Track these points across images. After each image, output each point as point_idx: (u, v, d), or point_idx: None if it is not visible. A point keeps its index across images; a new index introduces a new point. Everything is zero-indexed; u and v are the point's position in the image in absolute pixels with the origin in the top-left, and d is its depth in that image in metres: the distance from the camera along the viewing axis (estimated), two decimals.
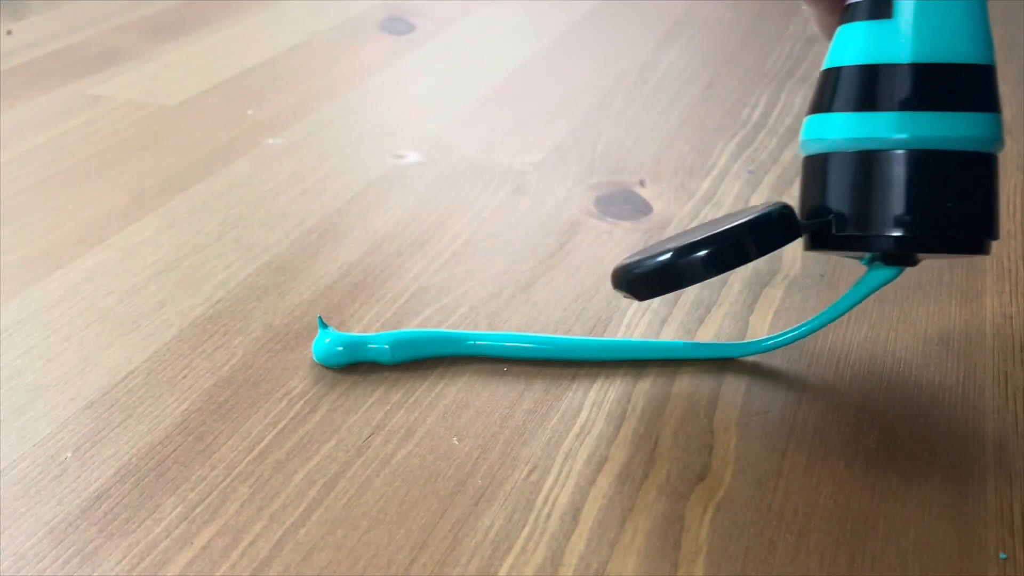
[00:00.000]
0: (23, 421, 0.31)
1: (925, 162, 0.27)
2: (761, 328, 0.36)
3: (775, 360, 0.34)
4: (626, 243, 0.41)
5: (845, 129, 0.29)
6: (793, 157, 0.49)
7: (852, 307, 0.32)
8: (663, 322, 0.36)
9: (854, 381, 0.33)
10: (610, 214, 0.44)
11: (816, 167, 0.30)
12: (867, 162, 0.28)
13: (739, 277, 0.38)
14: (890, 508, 0.28)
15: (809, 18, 0.31)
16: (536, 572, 0.26)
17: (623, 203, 0.45)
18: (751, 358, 0.34)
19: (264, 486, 0.29)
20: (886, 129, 0.28)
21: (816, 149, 0.30)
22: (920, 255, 0.30)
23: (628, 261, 0.31)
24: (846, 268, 0.39)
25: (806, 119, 0.30)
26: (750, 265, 0.39)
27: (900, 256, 0.30)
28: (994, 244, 0.40)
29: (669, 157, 0.49)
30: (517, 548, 0.27)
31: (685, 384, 0.33)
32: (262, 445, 0.30)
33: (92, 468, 0.29)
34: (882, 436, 0.31)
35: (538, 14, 0.70)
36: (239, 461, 0.29)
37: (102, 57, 0.62)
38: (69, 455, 0.30)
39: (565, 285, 0.38)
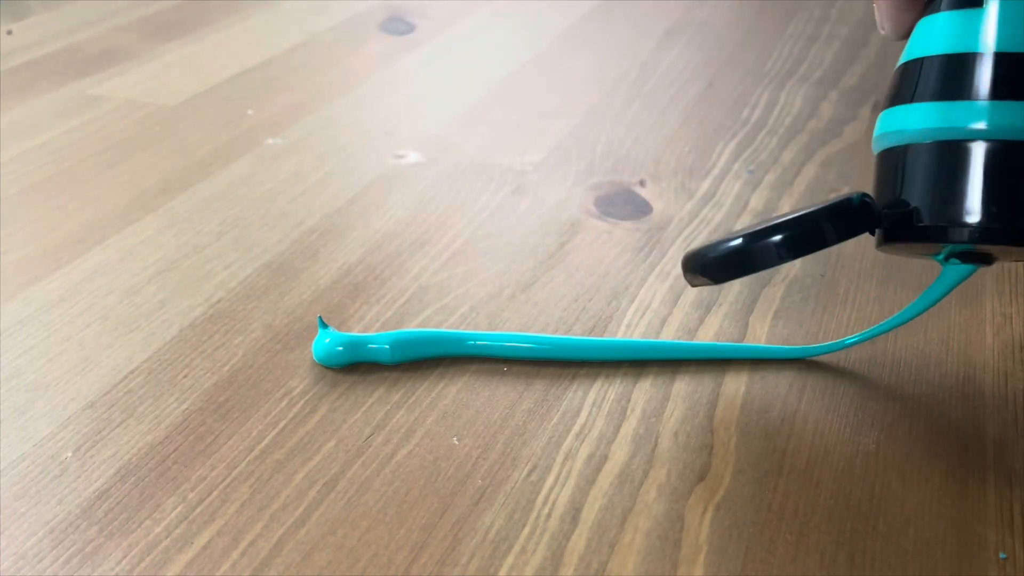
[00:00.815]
0: (23, 421, 0.31)
1: (1010, 153, 0.27)
2: (761, 328, 0.36)
3: (775, 360, 0.34)
4: (626, 243, 0.41)
5: (928, 119, 0.28)
6: (793, 157, 0.49)
7: (929, 307, 0.31)
8: (663, 322, 0.36)
9: (854, 381, 0.33)
10: (610, 214, 0.44)
11: (894, 160, 0.29)
12: (950, 152, 0.28)
13: None
14: (890, 508, 0.28)
15: (879, 16, 0.31)
16: (536, 572, 0.26)
17: (623, 203, 0.45)
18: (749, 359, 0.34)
19: (264, 486, 0.29)
20: (971, 118, 0.27)
21: (894, 142, 0.29)
22: (996, 254, 0.29)
23: (702, 245, 0.31)
24: (846, 268, 0.39)
25: (881, 114, 0.30)
26: None
27: (977, 254, 0.29)
28: None
29: (669, 157, 0.49)
30: (517, 548, 0.27)
31: (685, 384, 0.33)
32: (262, 445, 0.30)
33: (92, 468, 0.29)
34: (882, 436, 0.31)
35: (538, 14, 0.70)
36: (239, 461, 0.29)
37: (102, 57, 0.62)
38: (69, 455, 0.30)
39: (565, 285, 0.38)
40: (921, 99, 0.28)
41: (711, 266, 0.30)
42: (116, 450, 0.30)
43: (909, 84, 0.29)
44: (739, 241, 0.29)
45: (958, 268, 0.30)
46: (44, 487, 0.28)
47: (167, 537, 0.27)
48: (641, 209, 0.44)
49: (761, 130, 0.52)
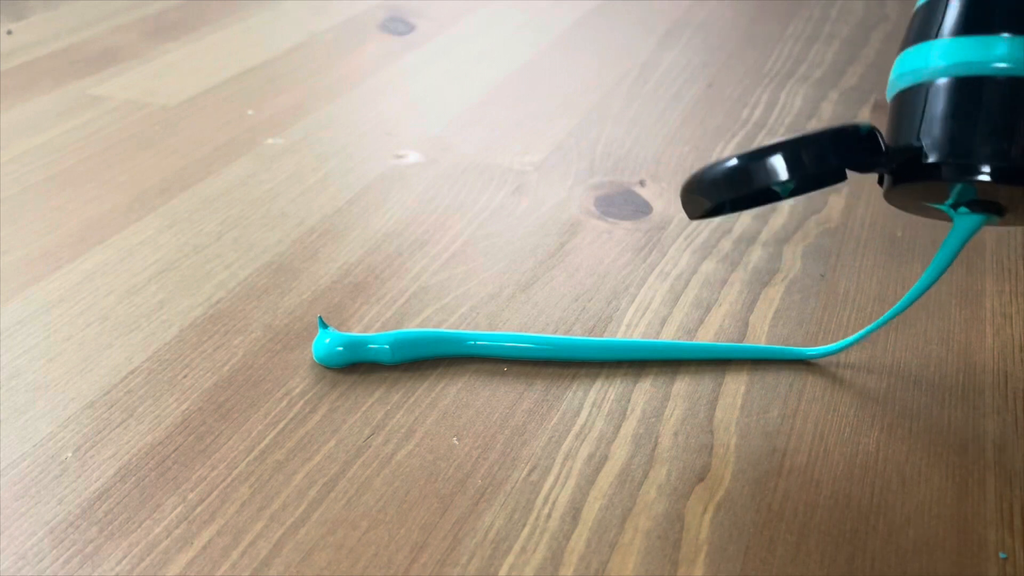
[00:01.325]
0: (23, 421, 0.31)
1: None
2: (761, 328, 0.36)
3: (775, 360, 0.34)
4: (626, 243, 0.41)
5: (948, 55, 0.27)
6: None
7: (948, 264, 0.30)
8: (663, 322, 0.36)
9: (854, 381, 0.33)
10: (610, 214, 0.44)
11: (907, 102, 0.28)
12: (967, 88, 0.27)
13: (739, 277, 0.39)
14: (890, 508, 0.28)
15: None
16: (536, 572, 0.26)
17: (623, 203, 0.45)
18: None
19: (264, 486, 0.29)
20: (993, 53, 0.26)
21: (910, 82, 0.28)
22: (1007, 203, 0.28)
23: (705, 166, 0.30)
24: (846, 268, 0.39)
25: (899, 56, 0.29)
26: (750, 265, 0.39)
27: (987, 203, 0.28)
28: (994, 244, 0.41)
29: (669, 157, 0.49)
30: (517, 548, 0.27)
31: (685, 384, 0.33)
32: (262, 445, 0.30)
33: (92, 468, 0.29)
34: (882, 436, 0.31)
35: (538, 14, 0.70)
36: (239, 461, 0.29)
37: (102, 57, 0.62)
38: (69, 455, 0.30)
39: (565, 285, 0.38)
40: (941, 36, 0.27)
41: (708, 184, 0.28)
42: (116, 450, 0.30)
43: (928, 23, 0.28)
44: (737, 159, 0.28)
45: (969, 219, 0.29)
46: (44, 487, 0.28)
47: (167, 537, 0.27)
48: (641, 209, 0.44)
49: (761, 130, 0.52)
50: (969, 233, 0.30)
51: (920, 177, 0.28)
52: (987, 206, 0.29)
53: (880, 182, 0.29)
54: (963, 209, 0.29)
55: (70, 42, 0.64)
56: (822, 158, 0.27)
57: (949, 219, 0.30)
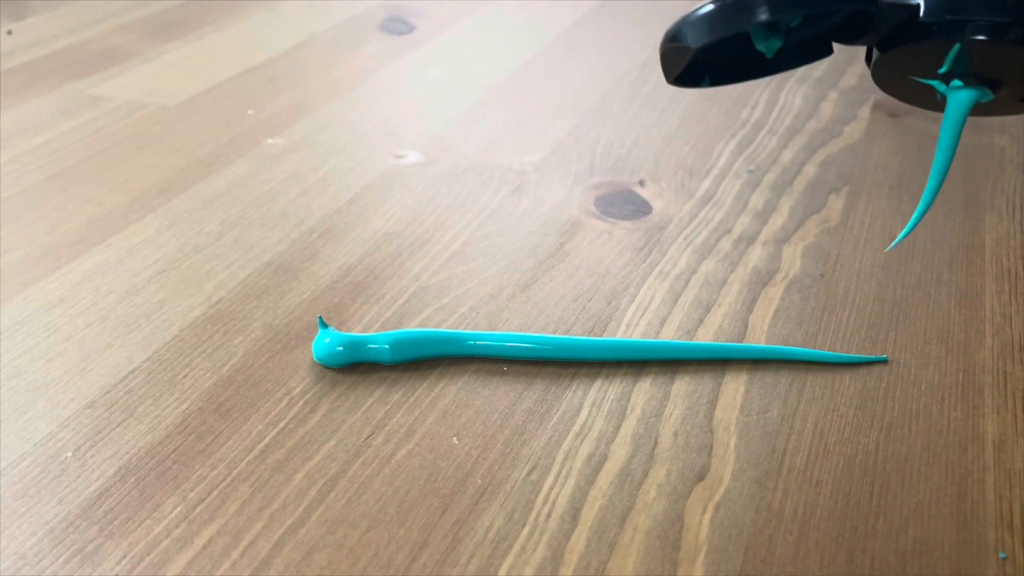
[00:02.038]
0: (23, 421, 0.31)
1: None
2: (761, 328, 0.36)
3: (775, 360, 0.34)
4: (626, 243, 0.41)
5: None
6: (793, 157, 0.49)
7: (954, 148, 0.28)
8: (663, 322, 0.36)
9: (854, 381, 0.33)
10: (610, 214, 0.44)
11: None
12: None
13: (739, 277, 0.39)
14: (890, 508, 0.28)
15: None
16: (536, 572, 0.26)
17: (623, 203, 0.45)
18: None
19: (264, 486, 0.29)
20: None
21: None
22: (1001, 75, 0.27)
23: (687, 12, 0.28)
24: (846, 268, 0.39)
25: None
26: (750, 265, 0.39)
27: (980, 76, 0.27)
28: (994, 244, 0.41)
29: (669, 157, 0.49)
30: (517, 548, 0.27)
31: (685, 384, 0.33)
32: (262, 445, 0.30)
33: (92, 468, 0.29)
34: (882, 436, 0.31)
35: (538, 14, 0.70)
36: (239, 461, 0.29)
37: (102, 57, 0.62)
38: (69, 455, 0.30)
39: (565, 285, 0.38)
40: None
41: (690, 27, 0.27)
42: (116, 450, 0.30)
43: None
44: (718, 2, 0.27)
45: (962, 94, 0.28)
46: (44, 487, 0.29)
47: (167, 537, 0.27)
48: (641, 209, 0.44)
49: (761, 130, 0.52)
50: (964, 110, 0.28)
51: (914, 38, 0.26)
52: (981, 79, 0.27)
53: (868, 60, 0.28)
54: (956, 83, 0.28)
55: (70, 42, 0.64)
56: None
57: (938, 103, 0.29)
